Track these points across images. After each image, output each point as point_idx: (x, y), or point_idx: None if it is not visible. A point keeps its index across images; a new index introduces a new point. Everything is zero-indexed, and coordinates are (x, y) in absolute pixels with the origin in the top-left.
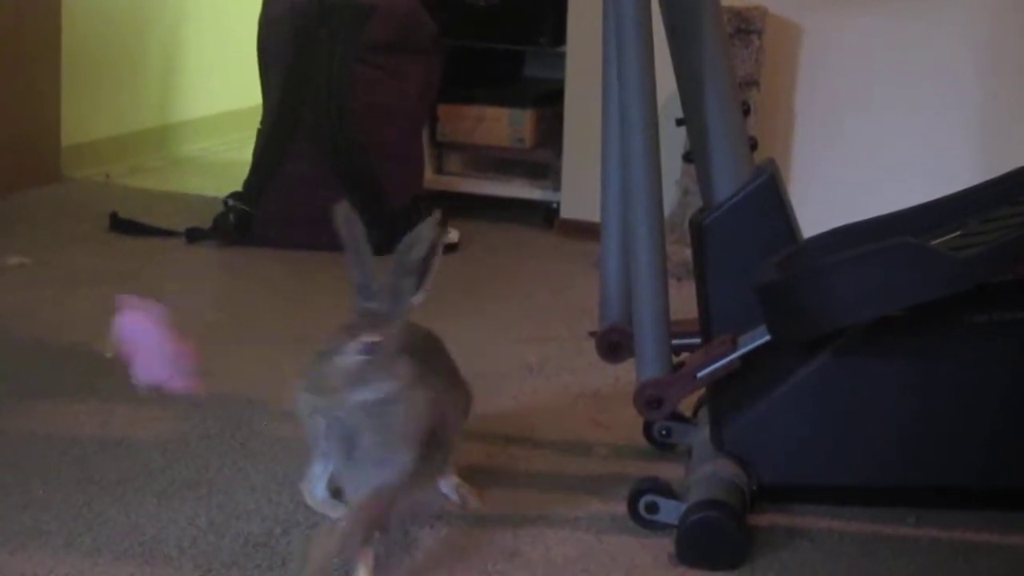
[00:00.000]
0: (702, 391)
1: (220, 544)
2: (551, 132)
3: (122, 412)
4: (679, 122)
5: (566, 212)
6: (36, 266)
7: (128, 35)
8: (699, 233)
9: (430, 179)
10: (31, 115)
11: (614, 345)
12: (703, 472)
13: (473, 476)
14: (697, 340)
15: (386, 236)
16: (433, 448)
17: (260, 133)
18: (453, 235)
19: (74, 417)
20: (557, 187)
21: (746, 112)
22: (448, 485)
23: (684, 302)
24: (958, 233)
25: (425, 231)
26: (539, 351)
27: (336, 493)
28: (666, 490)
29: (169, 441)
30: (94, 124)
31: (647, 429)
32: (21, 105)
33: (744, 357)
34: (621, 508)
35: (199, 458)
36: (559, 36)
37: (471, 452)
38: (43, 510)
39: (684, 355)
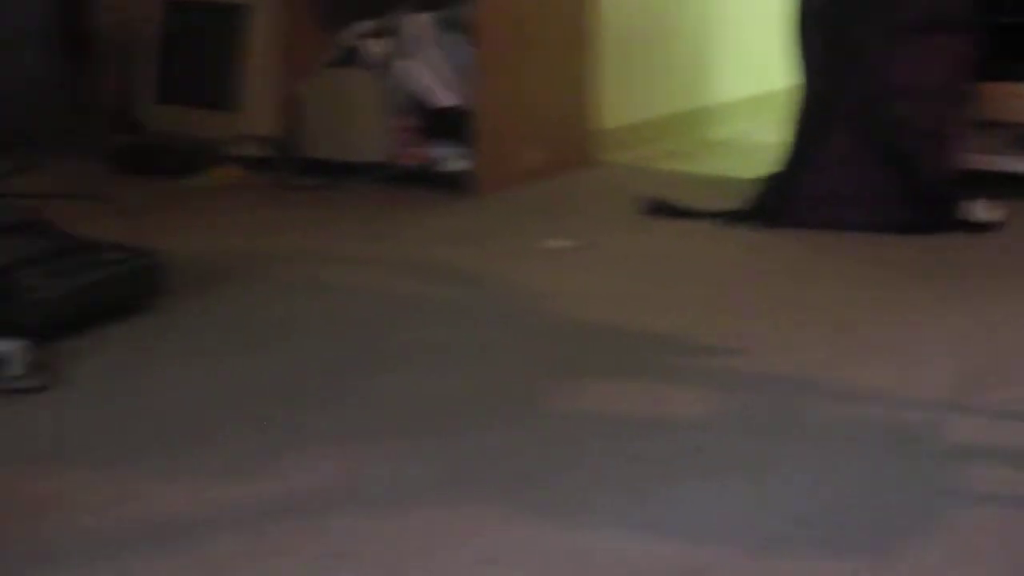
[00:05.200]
0: None
1: (768, 523)
2: None
3: (672, 391)
4: None
5: None
6: (576, 249)
7: (660, 19)
8: None
9: (972, 158)
10: (568, 101)
11: None
12: None
13: None
14: None
15: (921, 214)
16: None
17: (796, 114)
18: (997, 214)
19: (624, 396)
20: None
21: None
22: None
23: None
24: None
25: None
26: None
27: None
28: None
29: (715, 420)
30: (628, 109)
31: None
32: (558, 92)
33: None
34: None
35: (745, 437)
36: None
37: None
38: (594, 487)
39: None
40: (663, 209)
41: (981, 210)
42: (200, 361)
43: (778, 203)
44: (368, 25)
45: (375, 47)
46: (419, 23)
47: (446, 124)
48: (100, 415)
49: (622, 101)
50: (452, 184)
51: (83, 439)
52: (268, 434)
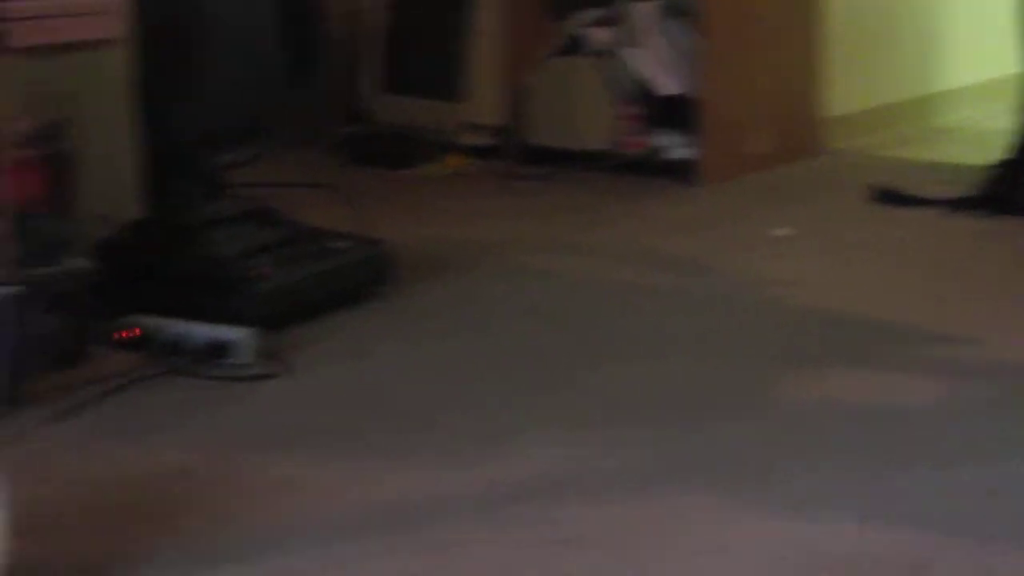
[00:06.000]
0: None
1: (1000, 515)
2: None
3: (895, 380)
4: None
5: None
6: (802, 236)
7: (889, 5)
8: None
9: None
10: (795, 88)
11: None
12: None
13: None
14: None
15: None
16: None
17: (1022, 101)
18: None
19: (855, 384)
20: None
21: None
22: None
23: None
24: None
25: None
26: None
27: None
28: None
29: (944, 409)
30: (855, 96)
31: None
32: (785, 79)
33: None
34: None
35: (978, 427)
36: None
37: None
38: (824, 476)
39: None
40: (891, 197)
41: None
42: (425, 348)
43: (1007, 190)
44: (593, 13)
45: (600, 35)
46: (644, 11)
47: (671, 112)
48: (328, 401)
49: (850, 88)
50: (676, 172)
51: (312, 425)
52: (494, 420)
